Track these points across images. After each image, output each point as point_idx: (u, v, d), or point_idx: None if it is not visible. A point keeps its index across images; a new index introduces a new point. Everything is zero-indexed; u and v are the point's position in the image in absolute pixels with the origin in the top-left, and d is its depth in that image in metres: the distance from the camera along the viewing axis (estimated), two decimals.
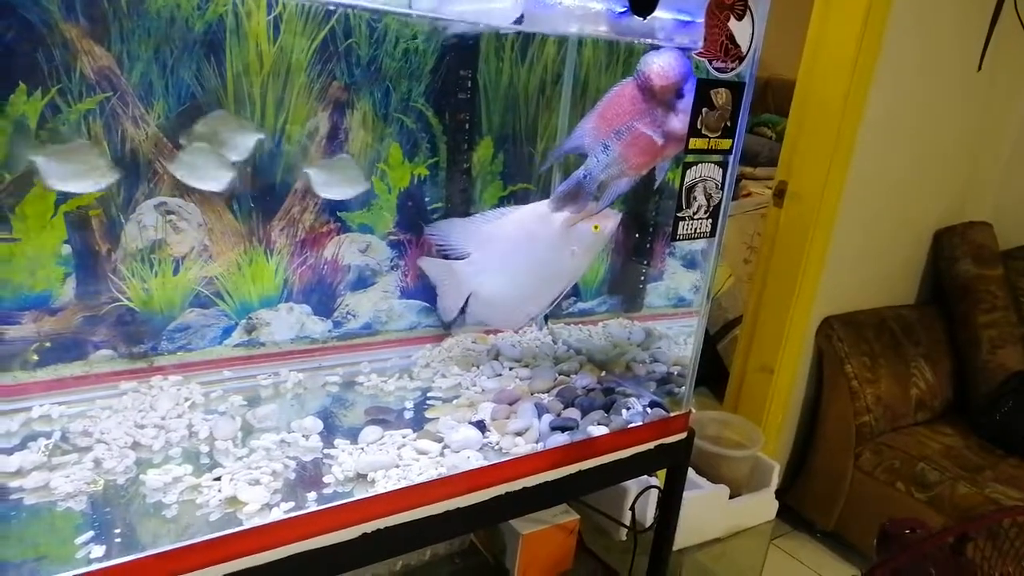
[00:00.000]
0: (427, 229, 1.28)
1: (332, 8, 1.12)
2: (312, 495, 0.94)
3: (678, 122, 1.04)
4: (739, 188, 3.05)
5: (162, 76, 1.03)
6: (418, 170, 1.28)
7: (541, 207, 1.17)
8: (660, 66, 1.03)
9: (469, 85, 1.27)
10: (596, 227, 1.13)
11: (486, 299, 1.21)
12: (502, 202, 1.38)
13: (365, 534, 0.95)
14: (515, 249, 1.17)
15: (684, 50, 1.06)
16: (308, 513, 0.90)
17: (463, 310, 1.25)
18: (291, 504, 0.91)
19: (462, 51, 1.25)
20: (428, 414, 1.15)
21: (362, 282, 1.29)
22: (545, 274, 1.17)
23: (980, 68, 2.23)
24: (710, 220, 1.13)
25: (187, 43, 1.04)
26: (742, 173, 3.14)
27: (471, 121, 1.29)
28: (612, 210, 1.16)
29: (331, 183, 1.01)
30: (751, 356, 2.23)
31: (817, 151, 2.03)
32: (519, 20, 1.21)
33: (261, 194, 1.16)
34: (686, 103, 1.03)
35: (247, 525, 0.87)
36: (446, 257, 1.23)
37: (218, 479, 0.94)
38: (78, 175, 0.97)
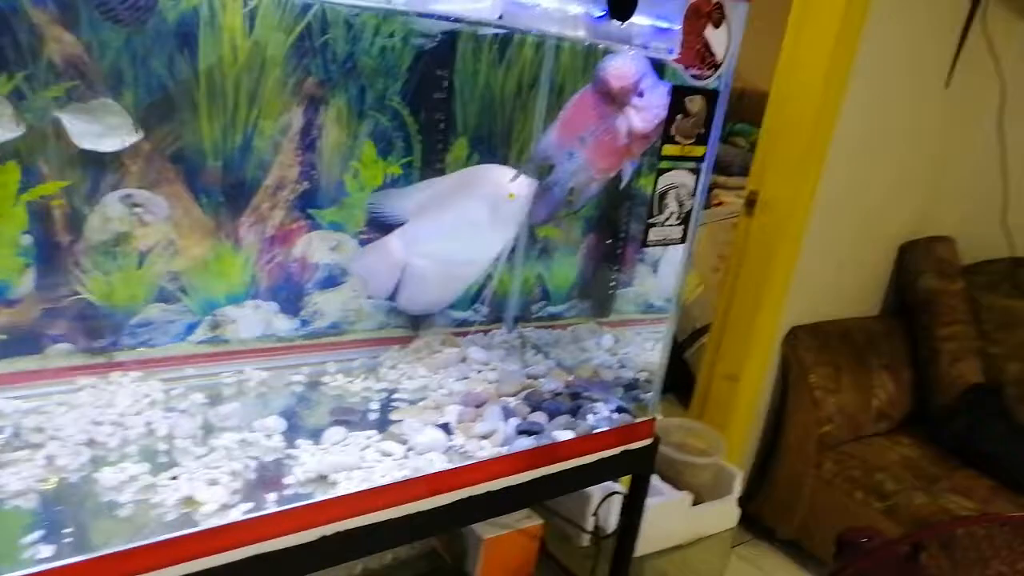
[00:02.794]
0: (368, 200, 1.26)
1: (309, 2, 1.11)
2: (272, 496, 0.93)
3: (640, 121, 1.05)
4: (711, 197, 3.07)
5: (132, 66, 1.01)
6: (391, 169, 1.27)
7: (481, 169, 1.18)
8: (616, 68, 1.04)
9: (445, 85, 1.26)
10: (511, 195, 1.13)
11: (419, 272, 1.19)
12: None
13: (325, 537, 0.93)
14: (445, 212, 1.17)
15: (654, 59, 1.07)
16: (267, 514, 0.89)
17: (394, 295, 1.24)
18: (250, 505, 0.90)
19: (439, 51, 1.24)
20: (393, 416, 1.14)
21: (331, 281, 1.27)
22: (472, 239, 1.17)
23: (948, 85, 2.28)
24: (681, 226, 1.14)
25: (160, 33, 1.02)
26: (714, 182, 3.17)
27: (447, 121, 1.28)
28: (527, 178, 1.15)
29: (90, 132, 0.96)
30: (718, 364, 2.25)
31: (788, 162, 2.06)
32: (500, 16, 1.21)
33: (230, 189, 1.14)
34: (646, 101, 1.04)
35: (203, 526, 0.85)
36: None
37: (175, 478, 0.92)
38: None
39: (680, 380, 2.78)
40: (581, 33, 1.18)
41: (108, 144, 0.98)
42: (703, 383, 2.31)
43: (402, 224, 1.21)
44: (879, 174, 2.26)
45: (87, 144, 0.97)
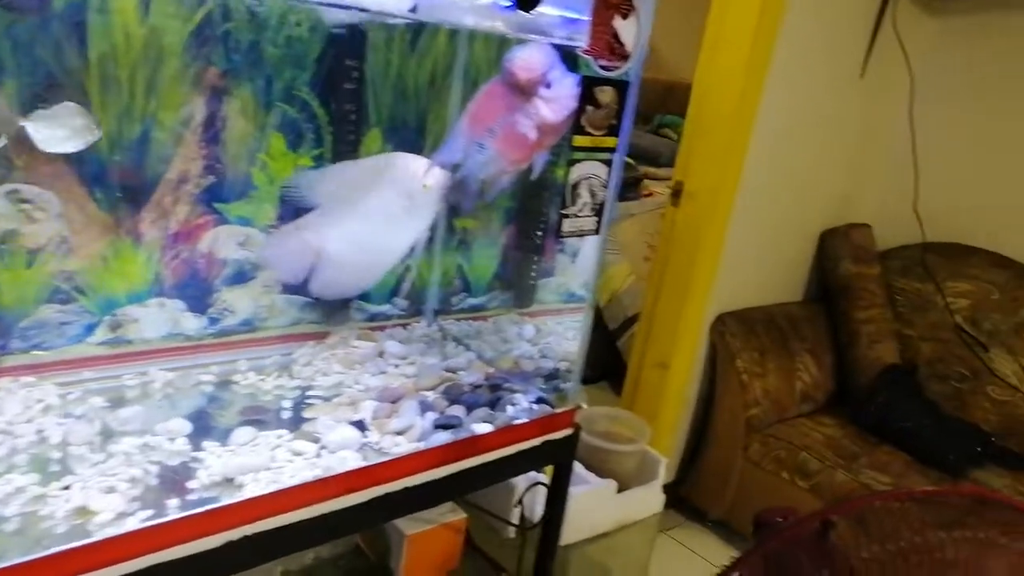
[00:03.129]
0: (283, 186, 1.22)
1: None
2: (174, 501, 0.89)
3: (549, 112, 1.04)
4: (641, 188, 3.12)
5: (15, 54, 0.95)
6: (302, 161, 1.23)
7: (396, 157, 1.16)
8: (523, 59, 1.03)
9: (356, 75, 1.23)
10: (426, 186, 1.12)
11: (333, 257, 1.16)
12: None
13: (230, 541, 0.90)
14: (358, 199, 1.15)
15: (558, 47, 1.06)
16: (167, 521, 0.86)
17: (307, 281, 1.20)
18: (149, 512, 0.86)
19: (349, 40, 1.21)
20: (306, 414, 1.11)
21: (240, 276, 1.23)
22: (385, 228, 1.15)
23: (863, 76, 2.35)
24: (595, 217, 1.14)
25: (44, 19, 0.96)
26: (645, 173, 3.22)
27: (358, 112, 1.25)
28: (444, 170, 1.14)
29: (55, 137, 0.96)
30: (648, 352, 2.28)
31: (712, 153, 2.09)
32: (412, 10, 1.19)
33: (129, 184, 1.09)
34: (555, 92, 1.04)
35: (97, 537, 0.81)
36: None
37: (67, 488, 0.88)
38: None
39: (614, 368, 2.82)
40: (490, 23, 1.17)
41: (73, 145, 0.96)
42: (634, 371, 2.34)
43: (315, 208, 1.18)
44: (800, 163, 2.32)
45: (53, 148, 0.95)
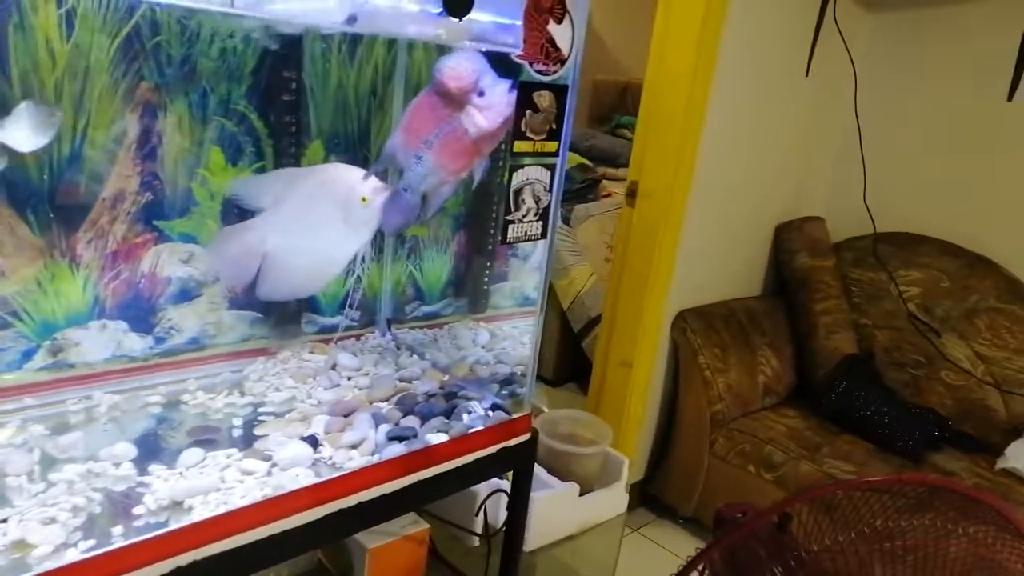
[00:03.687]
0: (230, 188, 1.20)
1: (135, 3, 1.04)
2: (119, 529, 0.87)
3: (484, 119, 1.04)
4: (599, 189, 3.14)
5: None
6: (243, 175, 1.21)
7: (338, 169, 1.15)
8: (451, 68, 1.03)
9: (294, 87, 1.22)
10: (364, 200, 1.10)
11: (280, 260, 1.15)
12: None
13: (179, 568, 0.88)
14: (301, 206, 1.13)
15: (501, 53, 1.06)
16: (110, 550, 0.83)
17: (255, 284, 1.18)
18: (92, 542, 0.84)
19: (286, 51, 1.20)
20: (257, 431, 1.09)
21: (186, 294, 1.21)
22: (327, 239, 1.14)
23: (808, 74, 2.39)
24: (540, 222, 1.14)
25: None
26: (604, 174, 3.24)
27: (298, 124, 1.24)
28: (384, 183, 1.14)
29: (25, 136, 0.95)
30: (611, 352, 2.29)
31: (665, 152, 2.11)
32: (352, 20, 1.17)
33: (62, 204, 1.06)
34: (487, 99, 1.04)
35: (36, 570, 0.79)
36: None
37: (4, 521, 0.85)
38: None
39: (581, 369, 2.82)
40: (433, 32, 1.16)
41: (43, 139, 0.96)
42: (598, 371, 2.35)
43: (259, 212, 1.15)
44: (752, 160, 2.36)
45: (28, 147, 0.95)
